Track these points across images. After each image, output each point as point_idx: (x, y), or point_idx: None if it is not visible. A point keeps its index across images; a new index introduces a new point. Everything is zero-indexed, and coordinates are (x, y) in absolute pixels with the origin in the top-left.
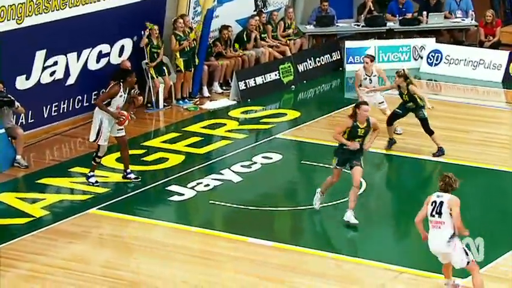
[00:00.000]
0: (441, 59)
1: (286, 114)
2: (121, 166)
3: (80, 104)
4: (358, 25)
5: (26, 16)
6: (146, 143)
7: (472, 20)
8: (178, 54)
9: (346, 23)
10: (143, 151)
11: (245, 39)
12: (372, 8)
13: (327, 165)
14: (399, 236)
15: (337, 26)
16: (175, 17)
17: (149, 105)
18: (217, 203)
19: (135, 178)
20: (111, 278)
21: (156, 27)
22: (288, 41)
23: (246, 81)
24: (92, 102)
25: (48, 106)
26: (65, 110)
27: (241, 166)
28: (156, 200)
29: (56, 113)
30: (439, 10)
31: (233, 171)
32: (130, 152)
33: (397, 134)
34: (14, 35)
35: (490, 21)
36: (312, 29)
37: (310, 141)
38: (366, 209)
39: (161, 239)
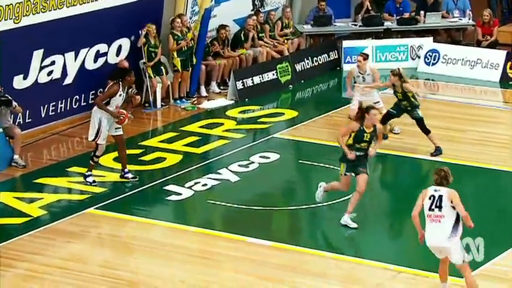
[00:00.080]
0: (439, 59)
1: (283, 113)
2: (119, 166)
3: (77, 103)
4: (355, 25)
5: (24, 16)
6: (144, 143)
7: (469, 19)
8: (175, 54)
9: (343, 23)
10: (141, 151)
11: (243, 38)
12: (369, 8)
13: (326, 165)
14: (397, 235)
15: (335, 25)
16: (173, 17)
17: (147, 104)
18: (215, 202)
19: (132, 178)
20: (110, 278)
21: (153, 26)
22: (285, 41)
23: (244, 80)
24: (90, 101)
25: (46, 106)
26: (63, 110)
27: (239, 166)
28: (153, 200)
29: (53, 113)
30: (437, 10)
31: (231, 171)
32: (128, 151)
33: (394, 133)
34: (12, 35)
35: (488, 20)
36: (310, 29)
37: (307, 140)
38: (364, 208)
39: (159, 239)
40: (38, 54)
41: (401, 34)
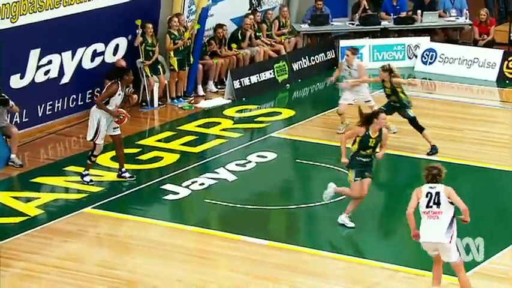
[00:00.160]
0: (436, 58)
1: (281, 113)
2: (116, 165)
3: (74, 102)
4: (352, 24)
5: (21, 15)
6: (141, 142)
7: (466, 18)
8: (172, 53)
9: (340, 22)
10: (138, 150)
11: (240, 38)
12: (367, 7)
13: (323, 164)
14: (395, 234)
15: (332, 24)
16: (170, 16)
17: (144, 104)
18: (212, 201)
19: (130, 177)
20: (108, 277)
21: (150, 25)
22: (282, 40)
23: (241, 80)
24: (87, 101)
25: (43, 105)
26: (60, 109)
27: (236, 165)
28: (151, 199)
29: (50, 112)
30: (434, 9)
31: (228, 170)
32: (125, 150)
33: (391, 133)
34: (9, 34)
35: (484, 20)
36: (307, 28)
37: (305, 139)
38: (362, 207)
39: (157, 238)
40: (35, 53)
41: (399, 33)
